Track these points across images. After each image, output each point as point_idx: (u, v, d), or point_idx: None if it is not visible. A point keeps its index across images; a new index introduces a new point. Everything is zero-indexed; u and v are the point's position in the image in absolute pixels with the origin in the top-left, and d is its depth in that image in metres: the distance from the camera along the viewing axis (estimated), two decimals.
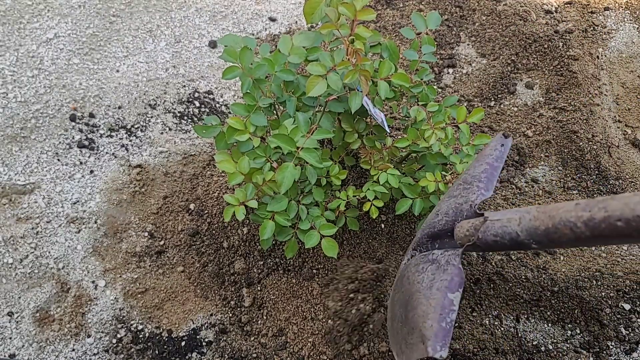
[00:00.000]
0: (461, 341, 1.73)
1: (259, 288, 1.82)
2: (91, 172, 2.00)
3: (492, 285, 1.82)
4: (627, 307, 1.81)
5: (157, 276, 1.84)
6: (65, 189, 1.95)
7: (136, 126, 2.12)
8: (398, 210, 1.57)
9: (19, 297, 1.76)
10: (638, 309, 1.81)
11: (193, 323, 1.77)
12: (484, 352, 1.72)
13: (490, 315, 1.79)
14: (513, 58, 2.31)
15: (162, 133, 2.12)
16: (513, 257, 1.86)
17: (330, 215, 1.55)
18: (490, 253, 1.86)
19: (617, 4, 2.51)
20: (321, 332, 1.74)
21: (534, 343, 1.77)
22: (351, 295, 1.65)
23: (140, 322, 1.76)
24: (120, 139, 2.08)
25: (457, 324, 1.77)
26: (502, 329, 1.78)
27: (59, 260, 1.83)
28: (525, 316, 1.80)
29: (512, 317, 1.80)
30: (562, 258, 1.88)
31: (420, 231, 1.38)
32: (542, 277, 1.82)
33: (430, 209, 1.64)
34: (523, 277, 1.82)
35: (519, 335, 1.78)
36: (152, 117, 2.15)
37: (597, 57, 2.36)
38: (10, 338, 1.70)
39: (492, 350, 1.73)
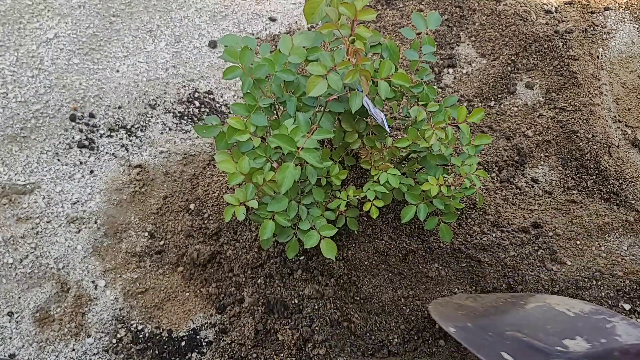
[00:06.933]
0: None
1: None
2: (91, 172, 2.00)
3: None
4: (627, 307, 1.81)
5: (157, 276, 1.84)
6: (65, 189, 1.95)
7: (136, 126, 2.12)
8: (404, 218, 1.57)
9: (19, 297, 1.76)
10: (638, 309, 1.81)
11: (193, 323, 1.77)
12: None
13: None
14: (513, 58, 2.31)
15: (162, 133, 2.12)
16: (520, 260, 1.86)
17: (331, 215, 1.55)
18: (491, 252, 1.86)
19: (617, 4, 2.51)
20: None
21: None
22: None
23: (140, 322, 1.76)
24: (120, 139, 2.08)
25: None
26: None
27: (59, 260, 1.83)
28: None
29: None
30: (564, 259, 1.88)
31: None
32: (541, 276, 1.82)
33: (434, 213, 1.63)
34: (523, 277, 1.82)
35: None
36: (152, 117, 2.15)
37: (597, 57, 2.36)
38: (10, 338, 1.70)
39: None
